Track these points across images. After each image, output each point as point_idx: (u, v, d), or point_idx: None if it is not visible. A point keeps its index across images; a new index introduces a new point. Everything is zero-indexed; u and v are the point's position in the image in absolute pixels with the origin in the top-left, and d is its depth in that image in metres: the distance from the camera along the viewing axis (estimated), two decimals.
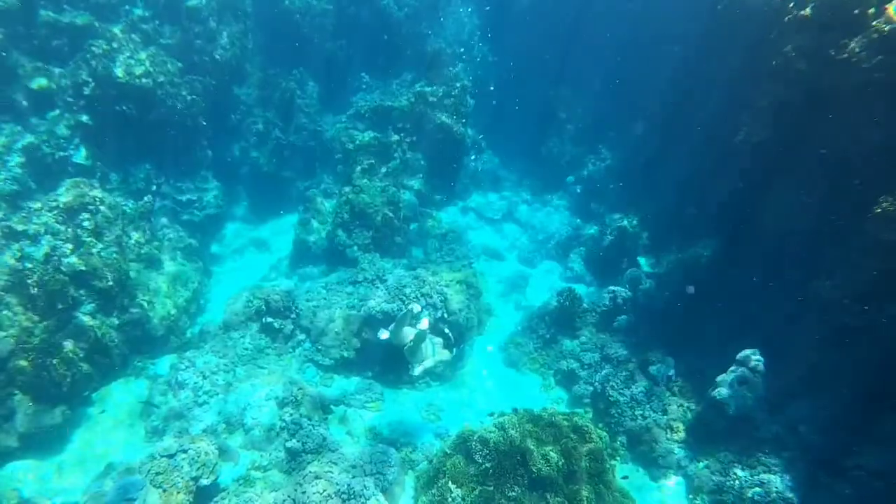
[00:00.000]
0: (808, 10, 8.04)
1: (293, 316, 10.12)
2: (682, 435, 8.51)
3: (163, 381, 8.80)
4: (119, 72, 10.32)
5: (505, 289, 12.53)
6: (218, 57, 12.46)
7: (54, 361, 7.62)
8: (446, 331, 7.96)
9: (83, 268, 8.44)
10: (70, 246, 8.55)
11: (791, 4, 8.34)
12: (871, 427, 7.00)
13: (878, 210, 6.86)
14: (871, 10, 7.34)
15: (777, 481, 7.34)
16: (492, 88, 15.85)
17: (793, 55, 8.16)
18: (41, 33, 9.84)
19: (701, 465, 8.10)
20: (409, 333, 7.22)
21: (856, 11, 7.45)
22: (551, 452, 6.91)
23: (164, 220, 11.12)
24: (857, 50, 7.33)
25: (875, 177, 7.16)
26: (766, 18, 9.03)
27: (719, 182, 9.86)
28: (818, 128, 7.95)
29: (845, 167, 7.54)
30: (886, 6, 7.22)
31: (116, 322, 8.81)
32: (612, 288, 10.72)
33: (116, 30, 10.59)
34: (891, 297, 6.77)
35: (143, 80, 10.58)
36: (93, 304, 8.52)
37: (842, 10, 7.59)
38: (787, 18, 8.35)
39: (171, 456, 6.72)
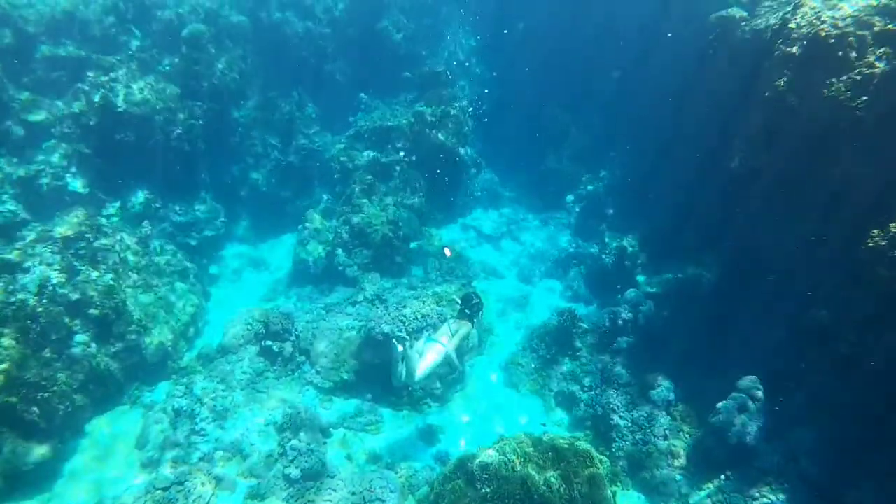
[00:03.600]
0: (795, 48, 8.18)
1: (292, 338, 10.06)
2: (682, 461, 8.35)
3: (159, 409, 8.71)
4: (117, 100, 10.41)
5: (505, 307, 12.45)
6: (216, 82, 12.57)
7: (46, 395, 7.48)
8: (456, 299, 7.71)
9: (78, 297, 8.39)
10: (65, 276, 8.51)
11: (780, 41, 8.46)
12: (872, 460, 6.87)
13: (870, 243, 6.87)
14: (854, 54, 7.51)
15: None
16: (489, 108, 15.96)
17: (783, 89, 8.27)
18: (38, 67, 9.99)
19: (703, 493, 7.93)
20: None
21: (840, 53, 7.59)
22: (552, 478, 6.79)
23: (161, 244, 11.11)
24: (843, 89, 7.47)
25: (865, 210, 7.17)
26: (756, 50, 9.15)
27: (717, 205, 9.84)
28: (810, 158, 7.98)
29: (836, 198, 7.55)
30: (868, 50, 7.35)
31: (112, 350, 8.74)
32: (612, 309, 10.65)
33: (115, 60, 10.72)
34: (888, 328, 6.69)
35: (141, 108, 10.67)
36: (88, 334, 8.45)
37: (827, 51, 7.73)
38: (776, 53, 8.47)
39: (165, 489, 6.66)
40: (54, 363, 7.89)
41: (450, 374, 7.37)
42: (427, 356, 7.20)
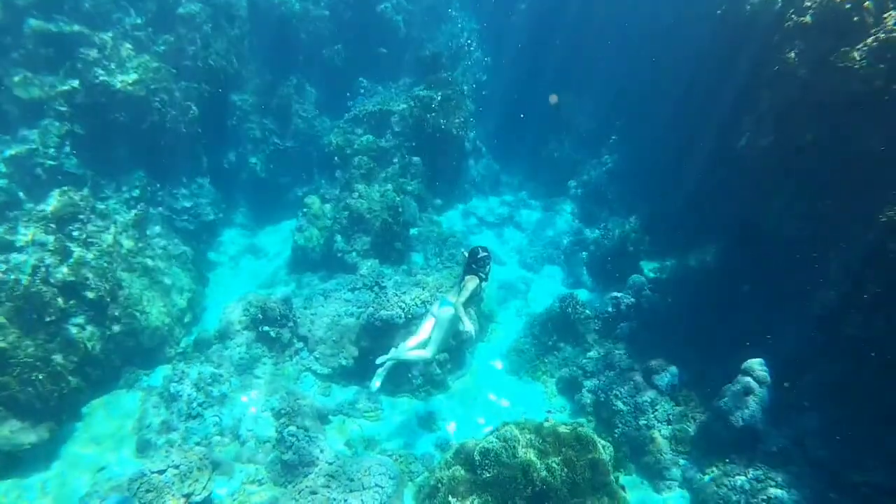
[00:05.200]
0: (807, 17, 7.95)
1: (290, 324, 9.93)
2: (687, 446, 8.27)
3: (156, 393, 8.60)
4: (111, 79, 10.18)
5: (506, 294, 12.34)
6: (213, 63, 12.30)
7: (41, 376, 7.36)
8: (464, 252, 7.42)
9: (73, 279, 8.23)
10: (59, 256, 8.34)
11: (791, 11, 8.23)
12: (880, 442, 6.75)
13: (884, 219, 6.68)
14: (871, 19, 7.24)
15: (784, 497, 7.06)
16: (490, 93, 15.75)
17: (794, 61, 8.05)
18: (30, 42, 9.71)
19: (706, 477, 7.83)
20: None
21: (855, 19, 7.34)
22: (554, 463, 6.69)
23: (158, 228, 10.94)
24: (857, 58, 7.22)
25: (878, 185, 6.96)
26: (766, 24, 8.90)
27: (722, 187, 9.68)
28: (821, 134, 7.78)
29: (848, 174, 7.34)
30: (885, 15, 7.11)
31: (108, 333, 8.61)
32: (615, 294, 10.53)
33: (108, 37, 10.46)
34: None
35: (136, 88, 10.44)
36: (83, 316, 8.31)
37: (841, 19, 7.49)
38: (787, 24, 8.24)
39: (161, 472, 6.55)
40: (49, 344, 7.76)
41: (463, 336, 7.14)
42: (439, 326, 7.16)
